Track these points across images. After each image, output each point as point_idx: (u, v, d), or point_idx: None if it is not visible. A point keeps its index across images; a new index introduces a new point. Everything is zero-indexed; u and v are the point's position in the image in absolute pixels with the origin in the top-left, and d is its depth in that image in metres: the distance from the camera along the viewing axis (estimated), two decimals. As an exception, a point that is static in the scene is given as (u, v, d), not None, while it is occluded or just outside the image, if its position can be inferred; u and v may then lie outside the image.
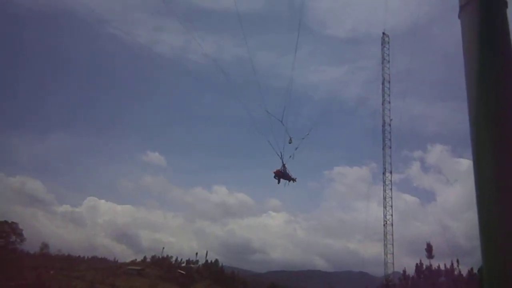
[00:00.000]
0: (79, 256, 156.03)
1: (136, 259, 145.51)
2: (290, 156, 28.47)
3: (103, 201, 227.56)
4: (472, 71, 2.56)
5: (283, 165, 28.05)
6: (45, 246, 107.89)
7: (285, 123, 28.41)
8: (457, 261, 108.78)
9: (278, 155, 27.88)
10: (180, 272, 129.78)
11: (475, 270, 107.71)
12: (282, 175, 28.01)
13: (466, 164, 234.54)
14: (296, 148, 28.52)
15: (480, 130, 2.43)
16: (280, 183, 28.31)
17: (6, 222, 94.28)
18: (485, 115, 2.40)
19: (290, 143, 28.07)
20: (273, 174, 28.16)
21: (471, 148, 2.46)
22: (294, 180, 28.58)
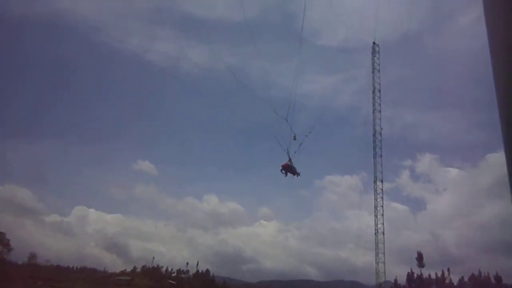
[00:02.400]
0: (68, 267, 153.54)
1: (126, 269, 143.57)
2: (295, 152, 31.09)
3: (92, 210, 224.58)
4: (499, 43, 2.30)
5: (289, 160, 30.03)
6: (33, 256, 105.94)
7: (289, 121, 30.92)
8: (448, 269, 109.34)
9: (284, 150, 30.26)
10: (170, 282, 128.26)
11: (466, 279, 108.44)
12: (289, 168, 30.23)
13: (454, 173, 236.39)
14: (300, 145, 30.87)
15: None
16: (287, 176, 30.40)
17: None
18: None
19: (294, 139, 30.58)
20: (280, 168, 30.32)
21: (502, 137, 2.29)
22: (298, 174, 30.96)
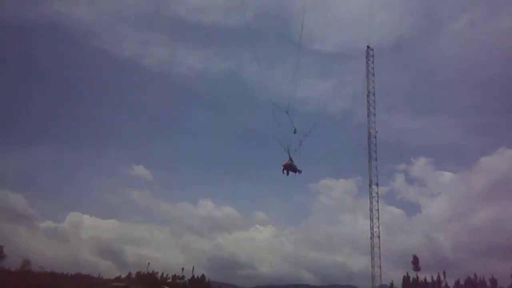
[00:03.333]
0: (62, 273, 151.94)
1: (120, 275, 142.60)
2: (296, 150, 30.64)
3: (86, 216, 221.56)
4: None
5: (290, 158, 30.27)
6: (26, 263, 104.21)
7: (290, 114, 30.65)
8: (444, 273, 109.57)
9: (285, 149, 30.33)
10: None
11: (462, 282, 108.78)
12: (290, 167, 30.38)
13: (448, 177, 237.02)
14: (300, 144, 30.55)
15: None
16: (288, 175, 30.49)
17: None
18: None
19: (294, 133, 30.39)
20: (282, 168, 30.35)
21: None
22: (300, 171, 31.02)
